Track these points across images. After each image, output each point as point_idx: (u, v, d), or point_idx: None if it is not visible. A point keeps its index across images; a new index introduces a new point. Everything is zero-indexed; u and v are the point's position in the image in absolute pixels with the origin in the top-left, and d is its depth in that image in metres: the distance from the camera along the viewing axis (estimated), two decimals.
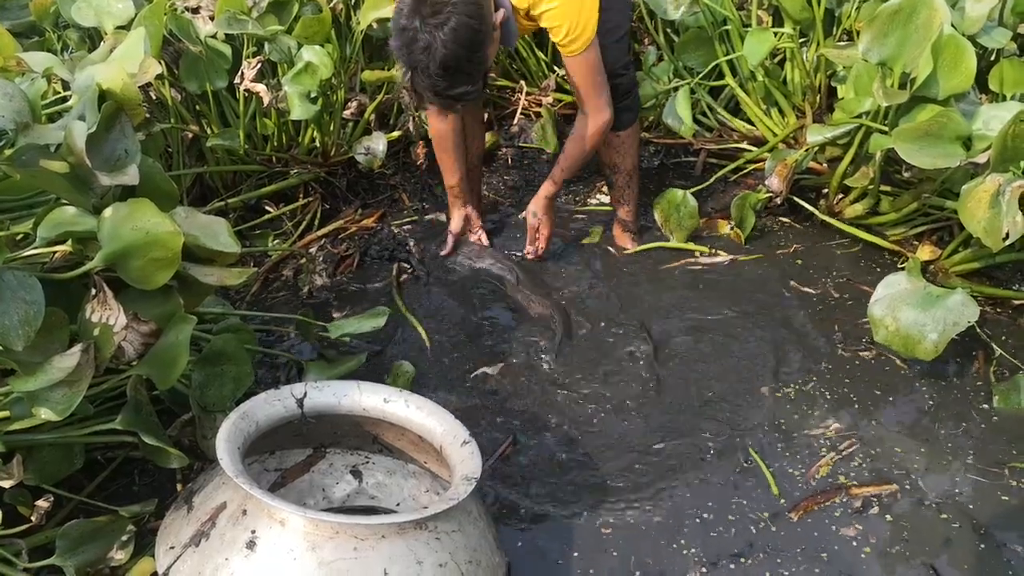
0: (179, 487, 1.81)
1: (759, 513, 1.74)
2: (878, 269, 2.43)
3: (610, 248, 2.61)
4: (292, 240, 2.64)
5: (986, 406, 1.97)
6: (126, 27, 2.39)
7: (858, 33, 2.30)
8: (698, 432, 1.95)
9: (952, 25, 2.10)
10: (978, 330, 2.05)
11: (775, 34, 2.56)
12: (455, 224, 2.55)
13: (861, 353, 2.14)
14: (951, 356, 2.07)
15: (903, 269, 2.02)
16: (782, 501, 1.77)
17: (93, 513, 1.62)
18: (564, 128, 3.16)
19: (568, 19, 2.03)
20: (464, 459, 1.50)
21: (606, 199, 2.83)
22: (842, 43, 2.55)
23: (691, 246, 2.56)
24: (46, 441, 1.56)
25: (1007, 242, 1.81)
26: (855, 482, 1.79)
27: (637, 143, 2.51)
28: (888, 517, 1.72)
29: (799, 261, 2.50)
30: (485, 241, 2.58)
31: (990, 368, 2.06)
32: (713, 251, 2.55)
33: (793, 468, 1.84)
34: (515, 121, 3.18)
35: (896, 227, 2.46)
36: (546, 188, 2.41)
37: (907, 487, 1.78)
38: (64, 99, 1.89)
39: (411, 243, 2.64)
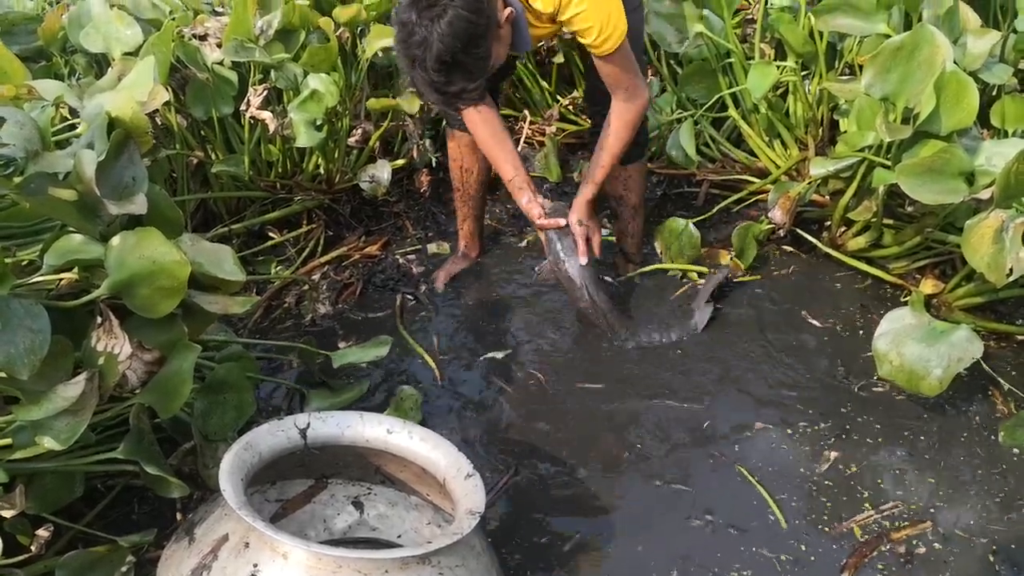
0: (179, 516, 1.79)
1: (780, 556, 1.72)
2: (881, 302, 2.43)
3: (608, 278, 2.61)
4: (295, 267, 2.64)
5: (993, 439, 1.96)
6: (134, 53, 2.40)
7: (860, 67, 2.32)
8: (705, 471, 1.93)
9: (954, 61, 2.12)
10: (983, 365, 2.04)
11: (778, 67, 2.58)
12: (537, 213, 2.25)
13: (864, 387, 2.13)
14: (959, 391, 2.07)
15: (906, 303, 2.02)
16: (801, 546, 1.75)
17: (92, 542, 1.60)
18: (567, 157, 3.19)
19: (599, 19, 1.96)
20: (468, 493, 1.49)
21: (605, 230, 2.83)
22: (844, 77, 2.57)
23: (690, 267, 2.57)
24: (47, 469, 1.55)
25: (1010, 278, 1.81)
26: (893, 525, 1.78)
27: (644, 177, 2.52)
28: (932, 558, 1.70)
29: (800, 293, 2.50)
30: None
31: (1000, 403, 2.06)
32: (713, 271, 2.55)
33: (806, 511, 1.83)
34: (519, 150, 3.19)
35: (899, 260, 2.46)
36: (588, 191, 2.24)
37: (940, 526, 1.77)
38: (72, 126, 1.90)
39: (414, 271, 2.64)
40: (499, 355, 2.29)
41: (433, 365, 2.25)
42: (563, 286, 2.31)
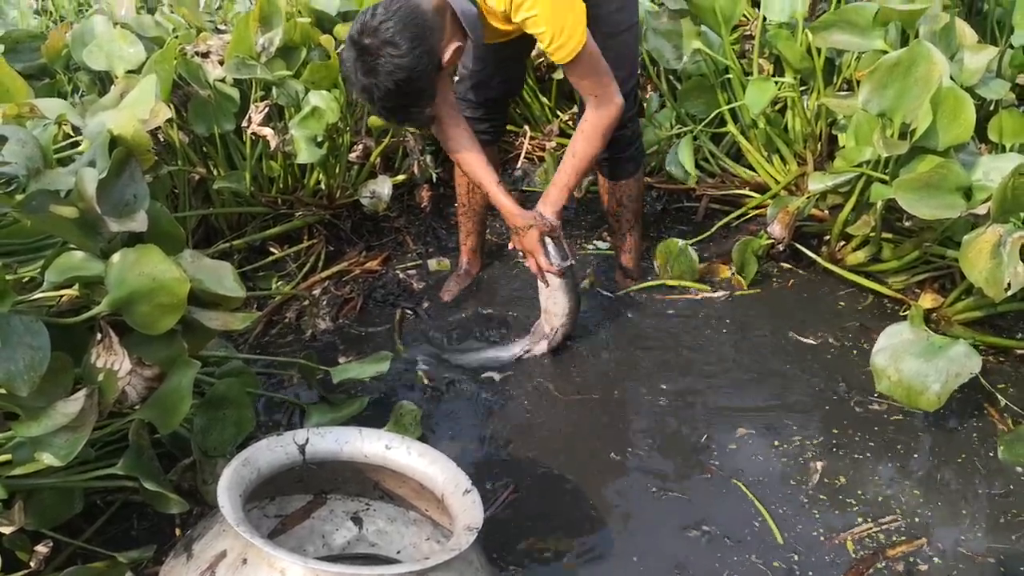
0: (178, 532, 1.80)
1: (775, 569, 1.72)
2: (880, 316, 2.43)
3: (606, 292, 2.61)
4: (296, 282, 2.65)
5: (992, 455, 1.96)
6: (137, 71, 2.43)
7: (858, 82, 2.34)
8: (702, 483, 1.93)
9: (951, 77, 2.13)
10: (982, 380, 2.04)
11: (776, 83, 2.60)
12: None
13: (862, 402, 2.13)
14: (958, 406, 2.07)
15: (905, 317, 2.02)
16: (793, 555, 1.75)
17: (91, 558, 1.61)
18: None
19: (551, 25, 1.89)
20: (466, 508, 1.49)
21: (603, 244, 2.84)
22: (842, 92, 2.58)
23: (689, 283, 2.57)
24: (47, 485, 1.55)
25: (1009, 292, 1.82)
26: (887, 542, 1.77)
27: (641, 191, 2.53)
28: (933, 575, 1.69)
29: (800, 308, 2.51)
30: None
31: (999, 418, 2.05)
32: (713, 288, 2.56)
33: (803, 525, 1.83)
34: (519, 165, 3.21)
35: (898, 275, 2.46)
36: (556, 195, 2.18)
37: (939, 543, 1.76)
38: (76, 143, 1.92)
39: (414, 286, 2.65)
40: (496, 374, 2.29)
41: (426, 381, 2.25)
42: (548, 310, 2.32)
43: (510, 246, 2.31)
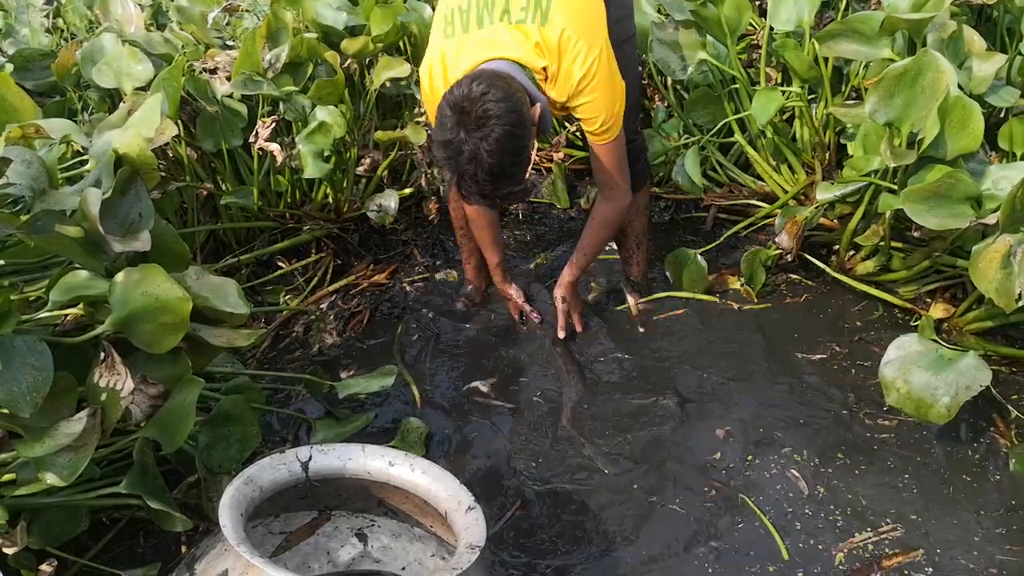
0: (184, 549, 1.80)
1: None
2: (890, 327, 2.40)
3: (618, 300, 2.60)
4: (304, 295, 2.66)
5: (1004, 466, 1.93)
6: (145, 88, 2.44)
7: (866, 90, 2.32)
8: (708, 498, 1.92)
9: (960, 85, 2.11)
10: (993, 392, 2.02)
11: (783, 92, 2.58)
12: (517, 302, 2.53)
13: (871, 415, 2.11)
14: (969, 418, 2.04)
15: (916, 327, 2.00)
16: (800, 571, 1.73)
17: None
18: (574, 183, 3.20)
19: (605, 110, 2.01)
20: (468, 526, 1.49)
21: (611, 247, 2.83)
22: (850, 101, 2.56)
23: (701, 296, 2.55)
24: (51, 504, 1.56)
25: (1020, 303, 1.79)
26: (884, 552, 1.75)
27: (648, 205, 2.52)
28: None
29: (810, 319, 2.49)
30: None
31: (1011, 431, 2.03)
32: (721, 300, 2.54)
33: (809, 537, 1.81)
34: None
35: (908, 284, 2.44)
36: (570, 274, 2.39)
37: (936, 555, 1.74)
38: (84, 161, 1.93)
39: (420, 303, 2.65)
40: (502, 393, 2.28)
41: (424, 397, 2.25)
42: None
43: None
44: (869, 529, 1.80)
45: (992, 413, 2.07)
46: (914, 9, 2.26)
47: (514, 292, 2.52)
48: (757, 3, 2.91)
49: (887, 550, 1.76)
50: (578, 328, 2.48)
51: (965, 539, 1.77)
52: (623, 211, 2.26)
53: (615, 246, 2.66)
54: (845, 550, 1.76)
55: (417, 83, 2.93)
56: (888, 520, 1.82)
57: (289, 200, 2.74)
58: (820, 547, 1.78)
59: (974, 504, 1.85)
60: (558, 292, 2.41)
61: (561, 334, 2.44)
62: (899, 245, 2.43)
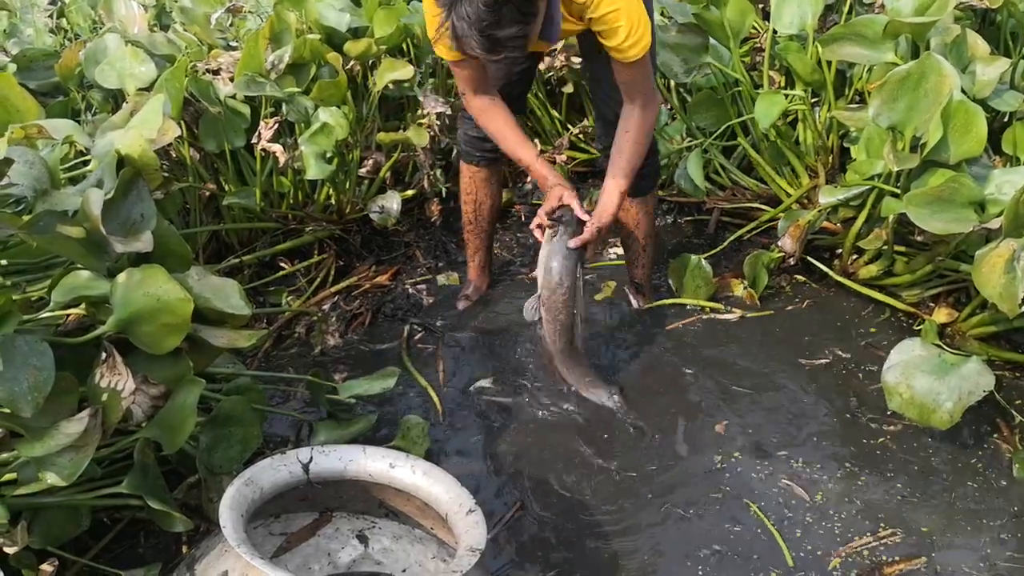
0: (184, 549, 1.80)
1: None
2: (894, 331, 2.40)
3: (623, 304, 2.60)
4: (306, 297, 2.66)
5: (1007, 473, 1.93)
6: (148, 89, 2.45)
7: (869, 94, 2.32)
8: (712, 502, 1.91)
9: (963, 90, 2.11)
10: (997, 397, 2.01)
11: (786, 96, 2.58)
12: (563, 197, 2.10)
13: (874, 419, 2.10)
14: (972, 423, 2.03)
15: (919, 332, 1.99)
16: None
17: None
18: (577, 185, 3.20)
19: (630, 22, 1.89)
20: (469, 528, 1.48)
21: (620, 251, 2.82)
22: (854, 105, 2.56)
23: (705, 302, 2.55)
24: (52, 504, 1.56)
25: (1023, 308, 1.79)
26: (886, 558, 1.75)
27: (654, 208, 2.51)
28: None
29: (813, 322, 2.48)
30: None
31: (1015, 436, 2.02)
32: (727, 308, 2.53)
33: (811, 543, 1.80)
34: (528, 179, 3.20)
35: (911, 288, 2.43)
36: (614, 203, 2.11)
37: (939, 562, 1.74)
38: (86, 162, 1.93)
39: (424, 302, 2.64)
40: (505, 395, 2.28)
41: (436, 398, 2.25)
42: (541, 277, 2.12)
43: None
44: (871, 535, 1.80)
45: (996, 418, 2.07)
46: (918, 13, 2.26)
47: (567, 196, 2.09)
48: (760, 6, 2.91)
49: (889, 556, 1.75)
50: (587, 257, 2.19)
51: (968, 546, 1.77)
52: (655, 120, 2.14)
53: (620, 249, 2.66)
54: (847, 556, 1.76)
55: (420, 84, 2.94)
56: (890, 526, 1.82)
57: (291, 201, 2.74)
58: (821, 553, 1.77)
59: (977, 510, 1.85)
60: (602, 223, 2.09)
61: (573, 243, 2.07)
62: (902, 249, 2.43)
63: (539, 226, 2.12)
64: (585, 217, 2.09)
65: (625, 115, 2.11)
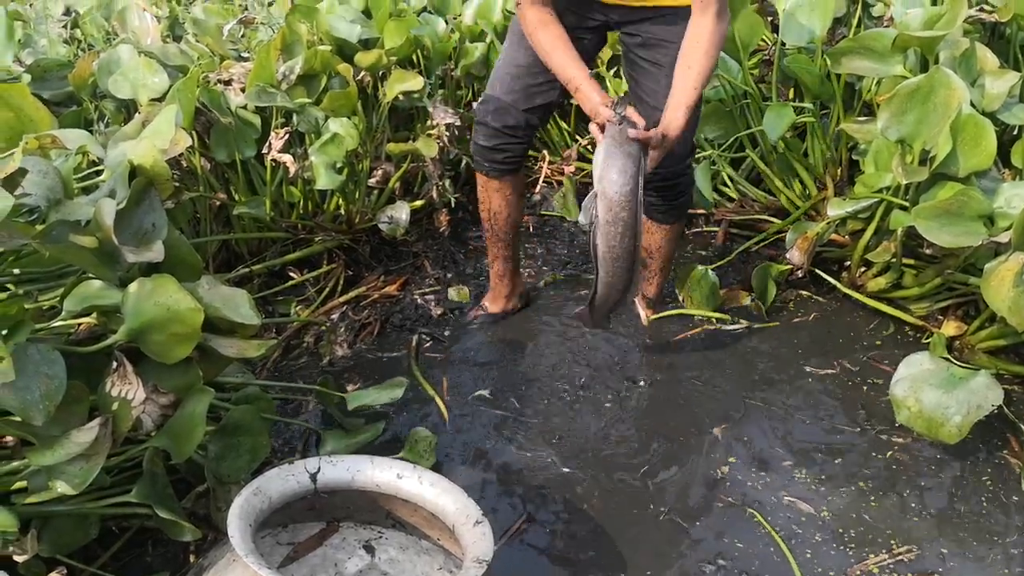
0: (192, 558, 1.80)
1: None
2: (902, 344, 2.39)
3: (629, 315, 2.60)
4: (315, 306, 2.67)
5: (1018, 488, 1.92)
6: (160, 99, 2.47)
7: (878, 107, 2.32)
8: (719, 515, 1.91)
9: (972, 103, 2.11)
10: (1006, 411, 2.00)
11: (795, 108, 2.59)
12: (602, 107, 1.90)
13: (882, 432, 2.10)
14: (981, 437, 2.03)
15: (927, 345, 1.99)
16: None
17: None
18: (584, 196, 3.20)
19: None
20: (476, 540, 1.48)
21: None
22: (863, 118, 2.56)
23: (711, 313, 2.55)
24: (62, 512, 1.57)
25: None
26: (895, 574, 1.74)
27: (677, 237, 2.49)
28: None
29: (821, 335, 2.48)
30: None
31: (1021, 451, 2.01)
32: (734, 319, 2.53)
33: (820, 558, 1.80)
34: (537, 189, 3.22)
35: (920, 301, 2.43)
36: (690, 98, 1.95)
37: None
38: (98, 172, 1.95)
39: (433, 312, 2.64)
40: (512, 406, 2.28)
41: (443, 408, 2.25)
42: (598, 176, 1.87)
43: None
44: (879, 550, 1.79)
45: (1005, 432, 2.06)
46: (927, 26, 2.27)
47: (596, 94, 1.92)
48: (769, 19, 2.92)
49: (898, 573, 1.74)
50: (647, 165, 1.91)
51: (977, 562, 1.76)
52: (726, 33, 1.96)
53: None
54: (856, 573, 1.75)
55: (430, 95, 2.95)
56: (899, 542, 1.81)
57: (301, 211, 2.76)
58: (829, 568, 1.76)
59: (987, 526, 1.84)
60: (669, 133, 1.94)
61: (637, 138, 1.84)
62: (911, 262, 2.43)
63: (599, 126, 1.92)
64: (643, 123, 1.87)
65: (696, 27, 1.94)
